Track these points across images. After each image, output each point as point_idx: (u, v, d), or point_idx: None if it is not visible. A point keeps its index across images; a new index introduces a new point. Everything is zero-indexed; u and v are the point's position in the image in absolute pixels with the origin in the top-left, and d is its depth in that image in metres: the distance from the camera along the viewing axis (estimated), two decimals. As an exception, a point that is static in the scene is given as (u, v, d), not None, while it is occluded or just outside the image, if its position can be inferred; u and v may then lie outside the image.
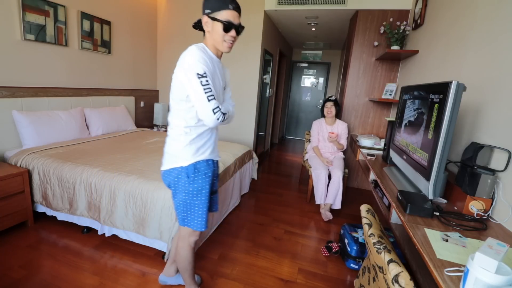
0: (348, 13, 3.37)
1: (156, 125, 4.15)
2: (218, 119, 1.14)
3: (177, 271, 1.63)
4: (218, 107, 1.13)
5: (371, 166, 1.96)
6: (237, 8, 1.17)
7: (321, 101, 6.58)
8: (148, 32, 3.99)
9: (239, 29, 1.19)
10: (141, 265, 1.78)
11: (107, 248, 1.92)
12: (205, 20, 1.17)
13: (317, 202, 2.67)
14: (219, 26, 1.14)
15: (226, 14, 1.13)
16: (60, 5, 2.62)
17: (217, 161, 1.40)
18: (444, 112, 1.17)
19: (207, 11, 1.15)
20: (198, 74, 1.10)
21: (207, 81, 1.11)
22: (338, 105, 2.93)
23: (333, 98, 2.93)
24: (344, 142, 2.91)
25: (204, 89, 1.10)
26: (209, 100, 1.12)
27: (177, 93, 1.18)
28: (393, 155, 1.90)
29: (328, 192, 2.66)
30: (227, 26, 1.14)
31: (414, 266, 1.17)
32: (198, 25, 1.23)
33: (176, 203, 1.30)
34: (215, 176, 1.40)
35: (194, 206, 1.28)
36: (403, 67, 3.03)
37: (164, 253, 1.86)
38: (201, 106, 1.13)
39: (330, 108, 2.89)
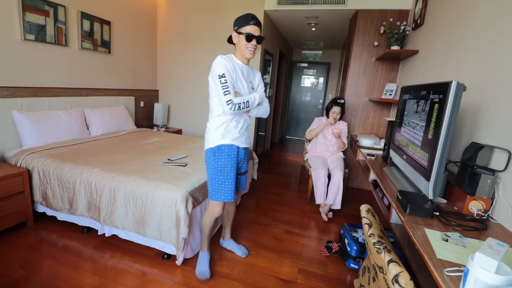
0: (348, 13, 3.37)
1: (156, 125, 4.15)
2: (231, 108, 1.46)
3: (230, 236, 2.04)
4: (230, 99, 1.45)
5: (371, 166, 1.96)
6: (258, 24, 1.51)
7: (321, 101, 6.58)
8: (148, 32, 3.99)
9: (259, 39, 1.52)
10: (141, 265, 1.78)
11: (107, 248, 1.92)
12: (234, 35, 1.54)
13: (317, 202, 2.66)
14: (242, 38, 1.50)
15: (248, 29, 1.49)
16: (60, 5, 2.62)
17: (244, 147, 1.68)
18: (444, 112, 1.17)
19: (235, 28, 1.53)
20: (218, 75, 1.45)
21: (225, 80, 1.45)
22: (344, 108, 2.88)
23: (342, 101, 2.81)
24: (345, 140, 2.90)
25: (222, 86, 1.45)
26: (224, 94, 1.45)
27: (210, 91, 1.55)
28: (393, 155, 1.90)
29: (328, 192, 2.66)
30: (248, 37, 1.49)
31: (414, 266, 1.17)
32: (230, 40, 1.59)
33: (208, 180, 1.64)
34: (241, 160, 1.69)
35: (219, 181, 1.60)
36: (403, 67, 3.03)
37: (164, 253, 1.86)
38: (219, 99, 1.49)
39: (337, 115, 2.80)
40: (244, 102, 1.51)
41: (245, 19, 1.49)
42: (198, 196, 1.86)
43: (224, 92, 1.44)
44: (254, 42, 1.50)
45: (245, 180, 1.82)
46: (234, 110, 1.47)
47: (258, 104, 1.65)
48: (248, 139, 1.74)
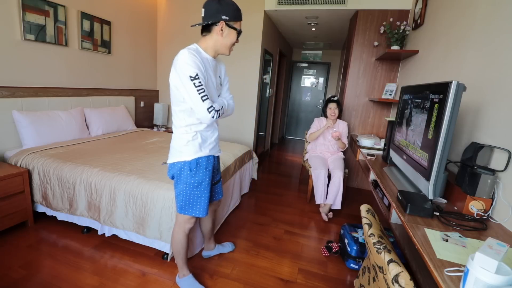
0: (348, 13, 3.37)
1: (156, 125, 4.15)
2: (213, 117, 1.26)
3: (215, 244, 1.92)
4: (211, 106, 1.25)
5: (371, 166, 1.96)
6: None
7: (321, 101, 6.58)
8: (148, 32, 3.99)
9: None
10: (141, 265, 1.78)
11: (107, 248, 1.92)
12: (220, 26, 1.27)
13: (317, 202, 2.66)
14: (234, 34, 1.31)
15: (240, 25, 1.32)
16: (60, 5, 2.62)
17: (218, 156, 1.55)
18: (444, 112, 1.17)
19: (225, 17, 1.26)
20: (190, 77, 1.19)
21: (200, 82, 1.20)
22: (340, 104, 2.91)
23: (336, 98, 2.87)
24: (345, 141, 2.91)
25: (198, 90, 1.20)
26: (203, 101, 1.22)
27: (174, 95, 1.31)
28: (393, 155, 1.90)
29: (328, 193, 2.66)
30: (240, 34, 1.33)
31: (414, 266, 1.17)
32: (205, 29, 1.32)
33: (177, 193, 1.43)
34: (215, 169, 1.56)
35: (195, 196, 1.41)
36: (403, 67, 3.03)
37: (164, 253, 1.86)
38: (196, 107, 1.24)
39: (334, 110, 2.84)
40: (222, 108, 1.32)
41: (238, 12, 1.30)
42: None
43: (202, 97, 1.21)
44: (238, 39, 1.36)
45: (220, 189, 1.68)
46: (215, 118, 1.26)
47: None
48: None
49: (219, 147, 1.55)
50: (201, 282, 1.67)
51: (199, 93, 1.20)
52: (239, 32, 1.32)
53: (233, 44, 1.35)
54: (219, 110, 1.29)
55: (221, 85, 1.45)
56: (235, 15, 1.29)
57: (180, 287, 1.60)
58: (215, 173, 1.57)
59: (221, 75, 1.46)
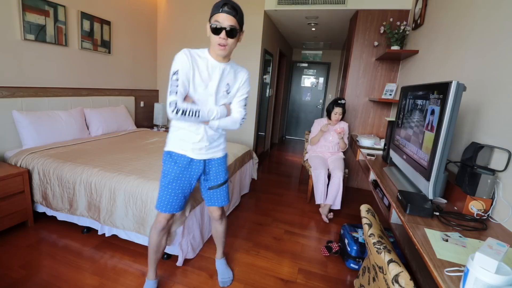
0: (348, 13, 3.37)
1: (156, 125, 4.14)
2: (172, 111, 1.23)
3: (222, 256, 1.79)
4: (175, 101, 1.23)
5: (371, 166, 1.96)
6: (231, 11, 1.20)
7: (321, 101, 6.58)
8: (148, 32, 3.99)
9: (230, 32, 1.21)
10: (141, 265, 1.78)
11: (107, 248, 1.92)
12: (207, 25, 1.25)
13: (317, 202, 2.66)
14: (209, 29, 1.23)
15: (215, 17, 1.20)
16: (60, 5, 2.62)
17: (207, 159, 1.46)
18: (444, 112, 1.17)
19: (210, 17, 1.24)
20: (172, 72, 1.24)
21: (176, 78, 1.23)
22: (345, 108, 2.88)
23: (343, 101, 2.81)
24: (346, 141, 2.91)
25: (170, 83, 1.24)
26: (170, 94, 1.24)
27: None
28: (393, 155, 1.90)
29: (328, 193, 2.66)
30: (213, 28, 1.21)
31: (414, 266, 1.17)
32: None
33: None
34: (198, 172, 1.45)
35: (161, 186, 1.41)
36: (403, 67, 3.03)
37: (165, 253, 1.86)
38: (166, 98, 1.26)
39: (338, 116, 2.80)
40: (193, 111, 1.25)
41: (217, 5, 1.21)
42: (197, 197, 1.85)
43: (170, 91, 1.23)
44: (223, 35, 1.20)
45: (222, 195, 1.54)
46: (176, 114, 1.23)
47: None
48: (221, 147, 1.50)
49: (211, 150, 1.45)
50: (201, 282, 1.67)
51: (170, 87, 1.24)
52: (213, 27, 1.20)
53: (222, 42, 1.22)
54: (184, 109, 1.23)
55: (227, 92, 1.37)
56: (213, 9, 1.23)
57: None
58: (205, 176, 1.50)
59: (231, 83, 1.37)
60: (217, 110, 1.34)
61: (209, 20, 1.23)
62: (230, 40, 1.23)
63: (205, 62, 1.29)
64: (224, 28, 1.20)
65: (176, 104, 1.22)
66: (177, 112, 1.23)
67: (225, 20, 1.19)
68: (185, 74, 1.24)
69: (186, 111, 1.24)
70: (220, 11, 1.19)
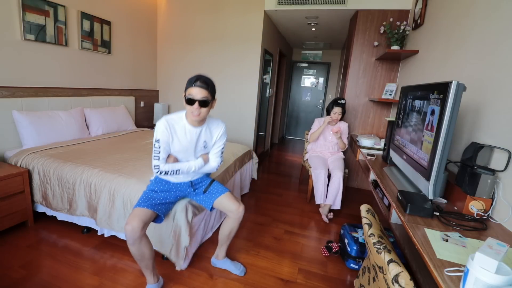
0: (348, 13, 3.37)
1: (156, 125, 4.14)
2: (157, 173, 1.51)
3: (225, 255, 1.84)
4: (157, 165, 1.49)
5: (371, 166, 1.96)
6: (203, 84, 1.40)
7: (321, 101, 6.58)
8: (148, 32, 3.99)
9: (202, 103, 1.41)
10: (141, 265, 1.78)
11: (107, 248, 1.92)
12: (183, 96, 1.47)
13: (317, 202, 2.66)
14: (184, 101, 1.44)
15: (189, 91, 1.41)
16: (60, 5, 2.62)
17: (193, 179, 1.69)
18: (444, 112, 1.17)
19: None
20: (155, 139, 1.48)
21: (158, 145, 1.48)
22: (345, 108, 2.87)
23: (343, 101, 2.80)
24: (345, 141, 2.90)
25: (154, 150, 1.49)
26: (153, 158, 1.49)
27: None
28: (393, 155, 1.90)
29: (328, 193, 2.66)
30: (188, 100, 1.41)
31: (414, 266, 1.17)
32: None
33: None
34: (188, 188, 1.67)
35: (143, 193, 1.60)
36: (403, 67, 3.03)
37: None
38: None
39: (338, 115, 2.80)
40: (174, 170, 1.51)
41: (190, 81, 1.42)
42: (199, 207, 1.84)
43: (154, 156, 1.48)
44: (196, 105, 1.40)
45: (219, 187, 1.72)
46: (160, 174, 1.51)
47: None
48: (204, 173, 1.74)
49: (195, 176, 1.68)
50: (202, 282, 1.67)
51: (154, 153, 1.48)
52: (188, 99, 1.41)
53: (196, 111, 1.42)
54: (166, 171, 1.49)
55: (204, 147, 1.61)
56: (187, 84, 1.43)
57: None
58: (196, 187, 1.70)
59: (208, 140, 1.60)
60: (195, 165, 1.57)
61: (184, 92, 1.44)
62: (203, 109, 1.43)
63: (183, 128, 1.51)
64: (197, 100, 1.40)
65: (159, 167, 1.49)
66: (160, 173, 1.51)
67: (197, 93, 1.39)
68: (165, 142, 1.48)
69: (168, 172, 1.50)
70: (193, 85, 1.40)
